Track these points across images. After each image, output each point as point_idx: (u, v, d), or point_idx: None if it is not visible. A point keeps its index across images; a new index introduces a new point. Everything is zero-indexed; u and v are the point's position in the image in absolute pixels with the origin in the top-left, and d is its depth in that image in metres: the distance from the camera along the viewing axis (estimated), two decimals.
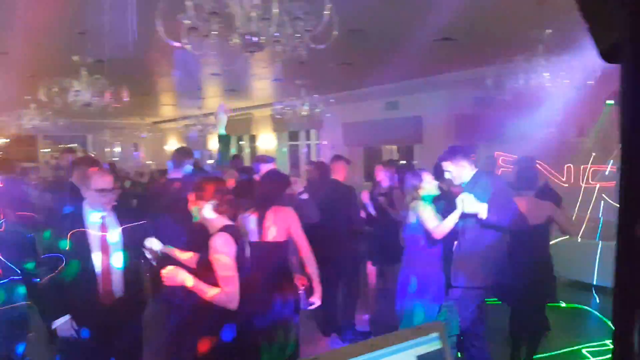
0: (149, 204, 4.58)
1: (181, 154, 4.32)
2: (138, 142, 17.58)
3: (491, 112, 7.16)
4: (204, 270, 2.36)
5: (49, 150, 16.32)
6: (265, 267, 3.07)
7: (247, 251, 2.59)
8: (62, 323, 2.62)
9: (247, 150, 14.08)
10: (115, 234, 2.73)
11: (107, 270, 2.68)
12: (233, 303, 2.31)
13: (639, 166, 0.57)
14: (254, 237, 3.10)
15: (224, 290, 2.31)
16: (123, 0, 4.10)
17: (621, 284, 0.61)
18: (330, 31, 2.91)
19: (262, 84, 8.68)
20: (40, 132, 13.59)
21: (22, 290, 2.85)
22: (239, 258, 2.40)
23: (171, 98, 11.08)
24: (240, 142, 14.49)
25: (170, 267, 2.41)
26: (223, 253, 2.32)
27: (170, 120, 15.91)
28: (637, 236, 0.57)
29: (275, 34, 2.81)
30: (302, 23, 2.82)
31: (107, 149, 17.31)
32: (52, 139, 16.18)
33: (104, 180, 2.71)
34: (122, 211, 2.85)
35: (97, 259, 2.65)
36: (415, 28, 4.85)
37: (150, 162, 17.12)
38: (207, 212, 2.44)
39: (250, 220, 3.15)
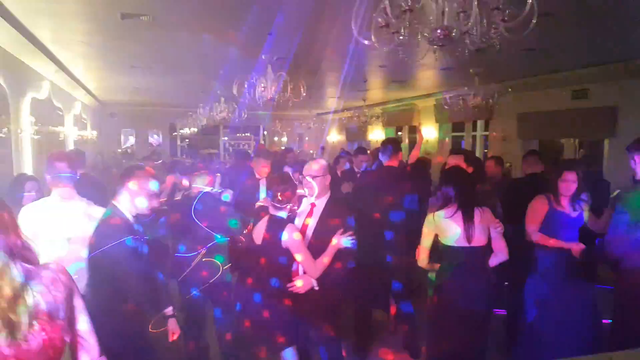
0: None
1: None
2: (303, 133, 18.80)
3: None
4: None
5: (227, 138, 18.50)
6: (473, 274, 2.96)
7: None
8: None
9: (405, 142, 14.00)
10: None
11: None
12: None
13: None
14: (460, 242, 2.94)
15: None
16: (306, 3, 4.41)
17: None
18: (529, 19, 2.72)
19: (429, 73, 8.51)
20: (223, 123, 15.48)
21: None
22: None
23: (337, 91, 11.56)
24: (399, 133, 14.46)
25: None
26: None
27: (333, 112, 16.64)
28: None
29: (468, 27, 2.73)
30: (499, 13, 2.68)
31: (275, 138, 18.90)
32: (230, 129, 18.26)
33: (313, 169, 3.09)
34: None
35: None
36: (623, 7, 4.25)
37: (312, 151, 18.23)
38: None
39: (454, 223, 2.94)
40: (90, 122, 13.06)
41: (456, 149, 4.36)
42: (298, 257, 2.83)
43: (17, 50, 5.77)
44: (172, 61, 7.42)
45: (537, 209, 3.44)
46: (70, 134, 9.81)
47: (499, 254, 2.99)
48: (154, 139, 17.29)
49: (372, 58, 7.19)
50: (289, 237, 2.81)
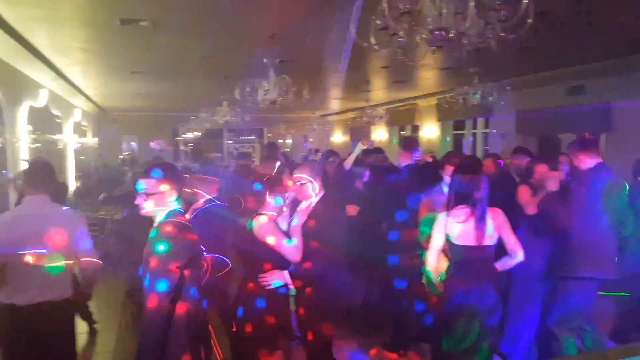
0: None
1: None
2: (307, 134, 18.82)
3: None
4: None
5: (231, 142, 18.55)
6: (481, 272, 2.96)
7: None
8: None
9: None
10: None
11: None
12: None
13: None
14: (470, 241, 2.92)
15: None
16: (307, 6, 4.45)
17: None
18: (525, 18, 2.75)
19: (430, 73, 8.54)
20: (226, 127, 15.53)
21: None
22: None
23: (340, 92, 11.60)
24: (402, 132, 14.53)
25: None
26: None
27: (337, 113, 16.68)
28: None
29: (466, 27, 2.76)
30: (495, 14, 2.71)
31: (280, 140, 18.93)
32: (234, 132, 18.30)
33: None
34: None
35: None
36: (615, 4, 4.28)
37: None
38: None
39: (465, 222, 2.93)
40: (91, 129, 13.11)
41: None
42: (270, 240, 2.85)
43: (13, 58, 5.78)
44: (174, 66, 7.47)
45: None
46: (70, 141, 9.85)
47: (513, 255, 2.99)
48: (156, 144, 17.27)
49: (375, 59, 7.22)
50: (256, 225, 2.88)
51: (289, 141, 18.93)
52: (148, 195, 2.31)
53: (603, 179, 3.53)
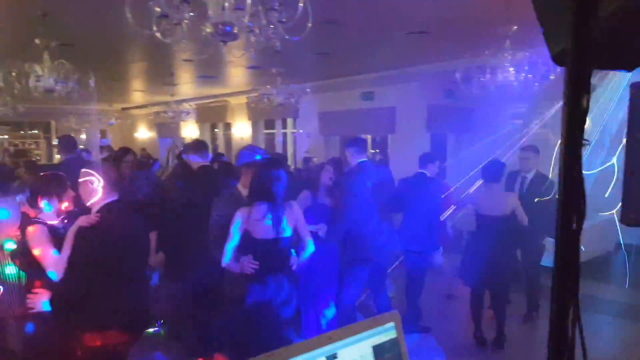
0: None
1: None
2: (106, 129, 16.98)
3: (460, 104, 7.29)
4: None
5: (7, 137, 15.66)
6: (279, 264, 3.02)
7: None
8: None
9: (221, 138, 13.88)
10: None
11: None
12: None
13: (577, 160, 0.64)
14: (270, 234, 2.97)
15: None
16: None
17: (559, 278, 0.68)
18: (305, 23, 2.84)
19: (238, 71, 8.52)
20: None
21: None
22: None
23: (141, 84, 10.75)
24: (215, 130, 14.26)
25: None
26: None
27: (140, 107, 15.48)
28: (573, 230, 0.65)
29: (249, 24, 2.74)
30: (276, 14, 2.74)
31: (72, 134, 16.65)
32: (12, 125, 15.48)
33: None
34: None
35: None
36: (390, 21, 4.84)
37: None
38: None
39: (265, 217, 2.98)
40: None
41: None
42: (36, 252, 2.51)
43: None
44: None
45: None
46: None
47: (305, 247, 3.16)
48: None
49: (176, 51, 6.83)
50: (27, 235, 2.54)
51: (83, 136, 16.83)
52: None
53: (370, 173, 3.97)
